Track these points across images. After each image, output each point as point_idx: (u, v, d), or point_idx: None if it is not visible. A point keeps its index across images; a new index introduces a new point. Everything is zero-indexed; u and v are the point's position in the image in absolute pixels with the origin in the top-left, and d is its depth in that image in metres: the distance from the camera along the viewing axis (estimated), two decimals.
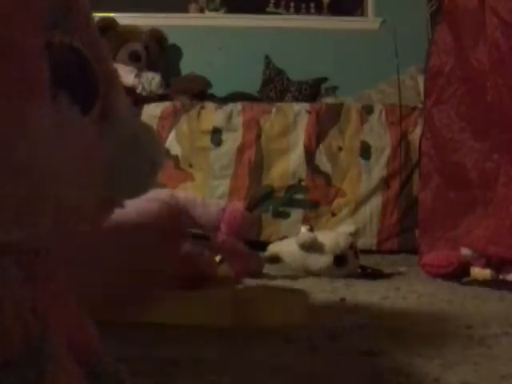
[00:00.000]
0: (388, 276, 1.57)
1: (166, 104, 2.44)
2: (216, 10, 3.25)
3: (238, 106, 2.41)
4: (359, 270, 1.60)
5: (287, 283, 1.38)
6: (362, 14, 3.34)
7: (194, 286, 1.07)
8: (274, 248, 1.75)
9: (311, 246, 1.53)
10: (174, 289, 1.04)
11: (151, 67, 2.79)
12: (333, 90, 3.10)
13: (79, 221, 0.35)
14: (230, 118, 2.37)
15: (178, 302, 0.96)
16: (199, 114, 2.39)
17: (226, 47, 3.15)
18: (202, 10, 3.28)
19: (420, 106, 2.35)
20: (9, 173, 0.29)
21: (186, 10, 3.25)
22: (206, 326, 0.88)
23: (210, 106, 2.43)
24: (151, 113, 2.38)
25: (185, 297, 0.99)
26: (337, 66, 3.11)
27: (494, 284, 1.39)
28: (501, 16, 1.51)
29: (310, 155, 2.32)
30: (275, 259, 1.70)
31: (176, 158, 2.33)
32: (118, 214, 0.40)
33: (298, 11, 3.32)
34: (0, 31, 0.29)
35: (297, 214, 2.28)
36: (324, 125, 2.36)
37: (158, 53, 2.96)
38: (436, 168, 1.81)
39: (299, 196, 2.30)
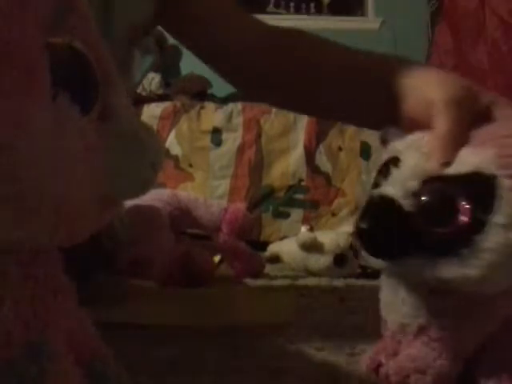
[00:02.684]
0: None
1: (166, 104, 2.43)
2: None
3: (238, 105, 2.40)
4: (359, 270, 1.59)
5: (287, 283, 1.38)
6: (362, 14, 3.34)
7: (194, 286, 1.07)
8: (273, 248, 1.75)
9: (311, 246, 1.53)
10: (174, 288, 1.04)
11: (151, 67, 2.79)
12: None
13: (79, 221, 0.35)
14: (230, 118, 2.37)
15: (178, 301, 0.97)
16: (199, 114, 2.39)
17: None
18: None
19: None
20: (8, 173, 0.29)
21: None
22: (205, 326, 0.88)
23: (210, 106, 2.43)
24: (151, 113, 2.38)
25: (185, 297, 0.99)
26: None
27: None
28: (501, 16, 1.51)
29: (310, 155, 2.32)
30: (275, 259, 1.70)
31: (176, 158, 2.33)
32: None
33: (298, 11, 3.32)
34: (0, 31, 0.29)
35: (297, 214, 2.28)
36: (324, 125, 2.36)
37: (158, 53, 2.96)
38: None
39: (299, 196, 2.30)
